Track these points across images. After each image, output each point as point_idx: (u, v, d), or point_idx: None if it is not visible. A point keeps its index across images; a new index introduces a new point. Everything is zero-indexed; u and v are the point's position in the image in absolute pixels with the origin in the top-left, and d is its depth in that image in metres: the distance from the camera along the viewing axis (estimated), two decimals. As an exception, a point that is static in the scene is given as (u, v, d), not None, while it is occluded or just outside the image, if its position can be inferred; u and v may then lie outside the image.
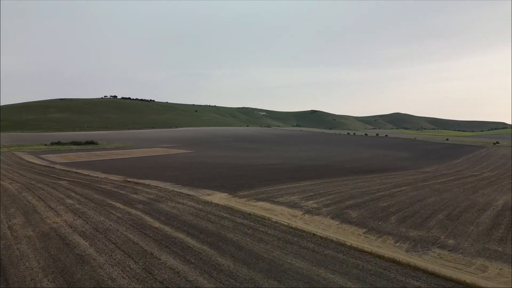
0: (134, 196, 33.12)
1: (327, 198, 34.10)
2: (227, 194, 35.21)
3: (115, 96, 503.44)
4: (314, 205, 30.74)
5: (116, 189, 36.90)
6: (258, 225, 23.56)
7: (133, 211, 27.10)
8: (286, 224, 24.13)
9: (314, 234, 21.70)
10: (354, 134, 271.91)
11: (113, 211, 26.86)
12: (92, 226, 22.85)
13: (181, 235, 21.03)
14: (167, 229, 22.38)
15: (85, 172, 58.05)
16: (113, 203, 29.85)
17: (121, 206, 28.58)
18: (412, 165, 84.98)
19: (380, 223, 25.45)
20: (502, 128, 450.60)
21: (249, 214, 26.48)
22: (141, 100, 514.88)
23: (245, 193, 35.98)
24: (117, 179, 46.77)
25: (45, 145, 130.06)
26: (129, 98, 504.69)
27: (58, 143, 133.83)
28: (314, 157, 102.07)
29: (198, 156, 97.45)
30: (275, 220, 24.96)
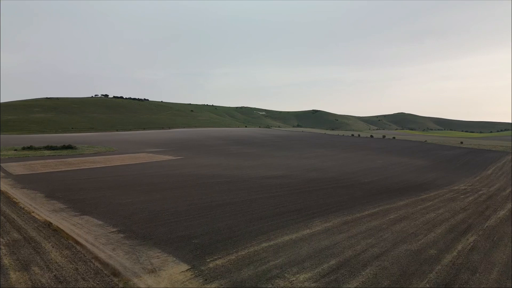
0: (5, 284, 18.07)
1: (365, 278, 19.03)
2: (187, 266, 20.02)
3: (106, 95, 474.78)
4: (347, 309, 15.69)
5: None
6: None
7: None
8: None
9: None
10: (359, 135, 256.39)
11: None
12: None
13: None
14: None
15: (21, 195, 43.56)
16: None
17: None
18: (440, 179, 69.78)
19: None
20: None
21: None
22: (134, 99, 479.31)
23: (220, 262, 20.85)
24: (41, 216, 31.73)
25: (16, 150, 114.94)
26: (121, 97, 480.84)
27: (31, 148, 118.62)
28: (320, 166, 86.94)
29: (184, 165, 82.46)
30: None
